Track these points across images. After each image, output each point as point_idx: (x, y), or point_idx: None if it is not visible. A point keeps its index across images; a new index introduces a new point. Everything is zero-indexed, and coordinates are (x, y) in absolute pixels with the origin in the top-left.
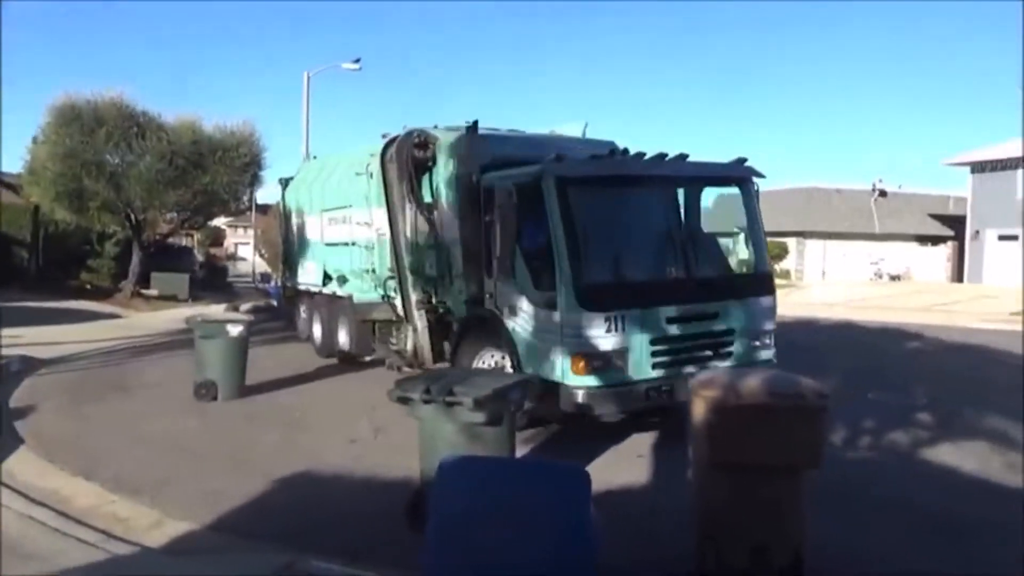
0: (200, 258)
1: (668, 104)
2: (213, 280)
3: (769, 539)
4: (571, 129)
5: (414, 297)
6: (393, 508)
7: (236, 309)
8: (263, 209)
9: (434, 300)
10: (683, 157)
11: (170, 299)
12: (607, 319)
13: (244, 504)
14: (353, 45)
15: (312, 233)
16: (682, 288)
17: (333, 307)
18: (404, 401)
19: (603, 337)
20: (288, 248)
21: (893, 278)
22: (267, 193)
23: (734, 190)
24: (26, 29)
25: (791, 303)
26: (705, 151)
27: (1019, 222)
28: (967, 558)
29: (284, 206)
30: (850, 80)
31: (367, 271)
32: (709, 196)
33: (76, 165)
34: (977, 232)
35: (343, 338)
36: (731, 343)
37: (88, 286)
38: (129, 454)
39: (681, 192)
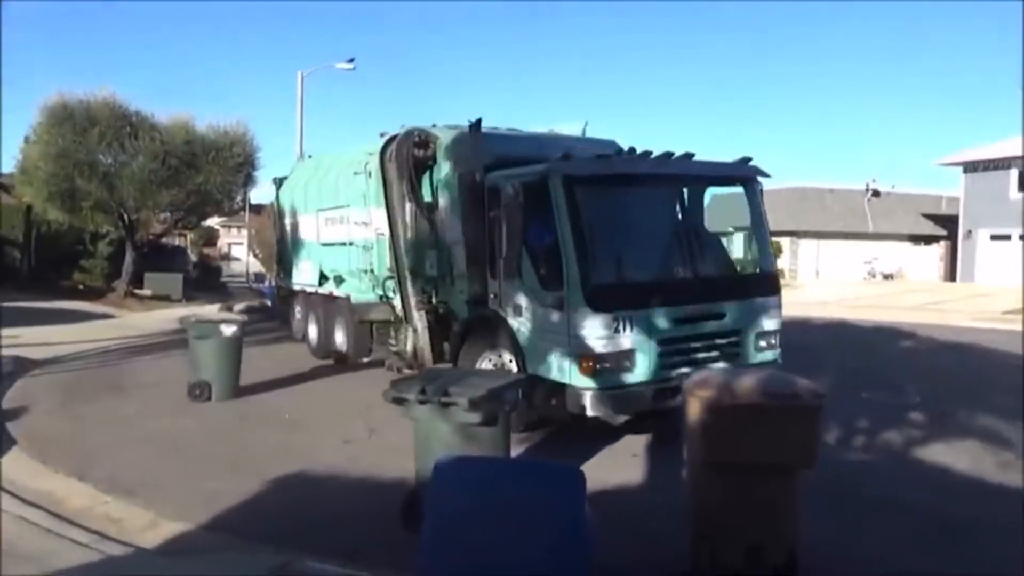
0: (194, 258)
1: (660, 103)
2: (207, 280)
3: (764, 539)
4: (570, 128)
5: (414, 297)
6: (388, 508)
7: (230, 309)
8: (257, 209)
9: (434, 300)
10: (689, 156)
11: (163, 299)
12: (615, 320)
13: (239, 504)
14: (347, 45)
15: (308, 233)
16: (689, 288)
17: (329, 307)
18: (399, 402)
19: (611, 338)
20: (283, 248)
21: (886, 277)
22: (261, 193)
23: (740, 189)
24: (18, 28)
25: (785, 302)
26: (699, 150)
27: (1011, 222)
28: (961, 557)
29: (278, 206)
30: (844, 80)
31: (365, 271)
32: (715, 195)
33: (69, 165)
34: (969, 232)
35: (340, 339)
36: (738, 344)
37: (81, 286)
38: (123, 455)
39: (688, 191)
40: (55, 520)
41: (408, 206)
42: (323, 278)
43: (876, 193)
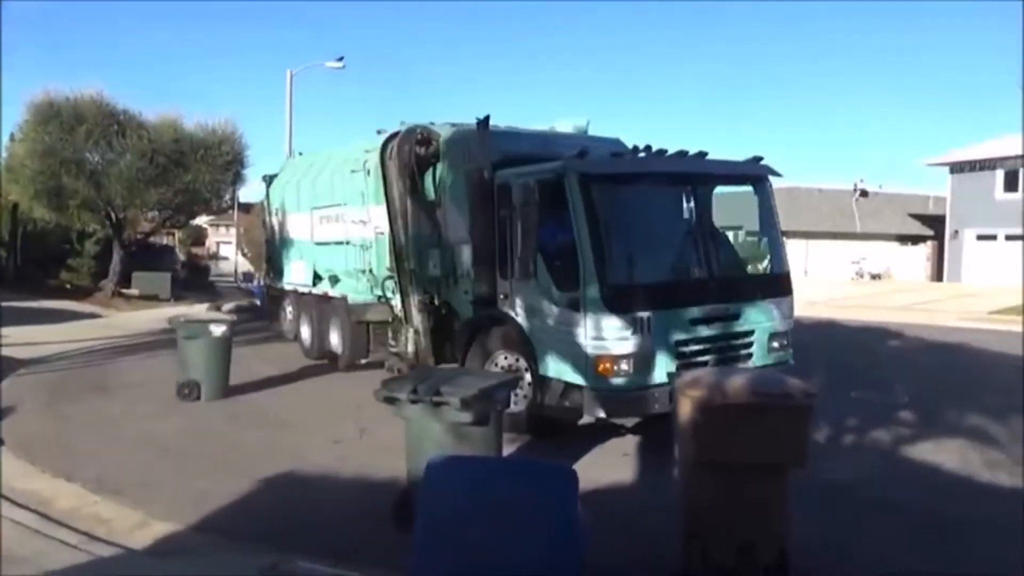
0: (182, 257)
1: (649, 103)
2: (195, 279)
3: (755, 537)
4: (572, 125)
5: (415, 298)
6: (379, 508)
7: (219, 309)
8: (245, 208)
9: (436, 301)
10: (702, 155)
11: (151, 299)
12: (633, 320)
13: (228, 504)
14: (337, 43)
15: (300, 232)
16: (705, 288)
17: (324, 308)
18: (391, 401)
19: (628, 339)
20: (273, 247)
21: (874, 277)
22: (249, 192)
23: (749, 188)
24: (4, 26)
25: None
26: (689, 149)
27: (997, 222)
28: (953, 556)
29: (269, 204)
30: (832, 80)
31: (363, 271)
32: (727, 194)
33: (55, 163)
34: (956, 232)
35: (335, 340)
36: (751, 344)
37: (68, 285)
38: (111, 455)
39: (702, 190)
40: (43, 521)
41: (410, 204)
42: (317, 278)
43: (864, 193)
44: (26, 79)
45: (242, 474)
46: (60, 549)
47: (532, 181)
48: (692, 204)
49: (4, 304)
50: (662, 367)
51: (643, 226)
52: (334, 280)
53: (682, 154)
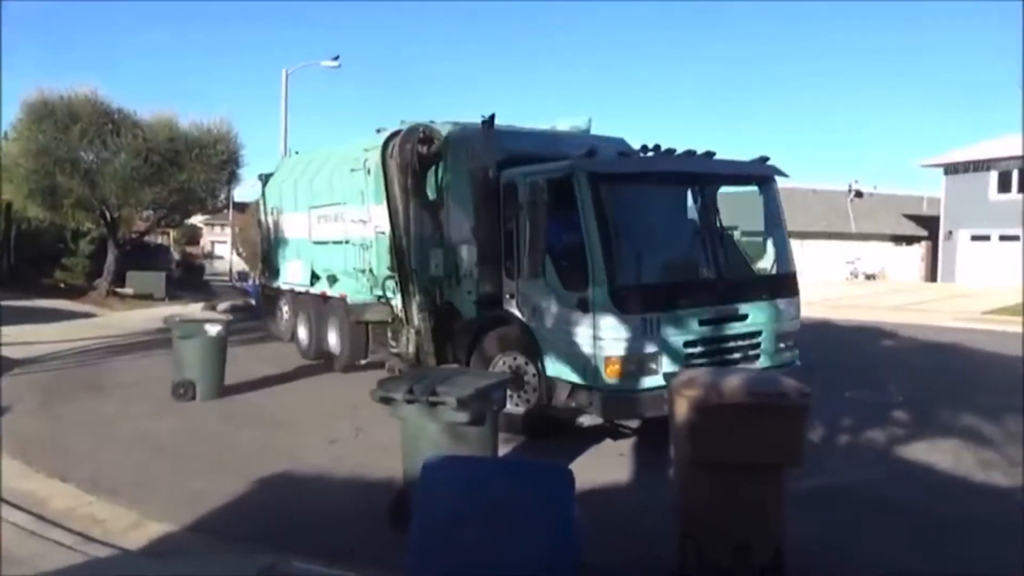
0: (176, 256)
1: (647, 102)
2: (190, 279)
3: (751, 537)
4: (571, 125)
5: (417, 298)
6: (375, 508)
7: (213, 308)
8: (240, 207)
9: (438, 301)
10: (710, 154)
11: (146, 298)
12: (642, 321)
13: (224, 505)
14: (334, 42)
15: (297, 231)
16: (714, 289)
17: (321, 308)
18: (386, 401)
19: (638, 340)
20: (269, 246)
21: (868, 277)
22: (245, 191)
23: (760, 188)
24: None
25: None
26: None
27: (991, 223)
28: (949, 556)
29: (264, 203)
30: (828, 81)
31: (363, 271)
32: (731, 194)
33: (49, 162)
34: (950, 232)
35: (333, 340)
36: (759, 345)
37: (62, 285)
38: (106, 455)
39: (710, 190)
40: (38, 521)
41: (411, 203)
42: (315, 277)
43: (859, 194)
44: (21, 78)
45: (237, 474)
46: (55, 550)
47: (541, 180)
48: (700, 204)
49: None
50: (671, 368)
51: (652, 226)
52: (332, 280)
53: (690, 153)
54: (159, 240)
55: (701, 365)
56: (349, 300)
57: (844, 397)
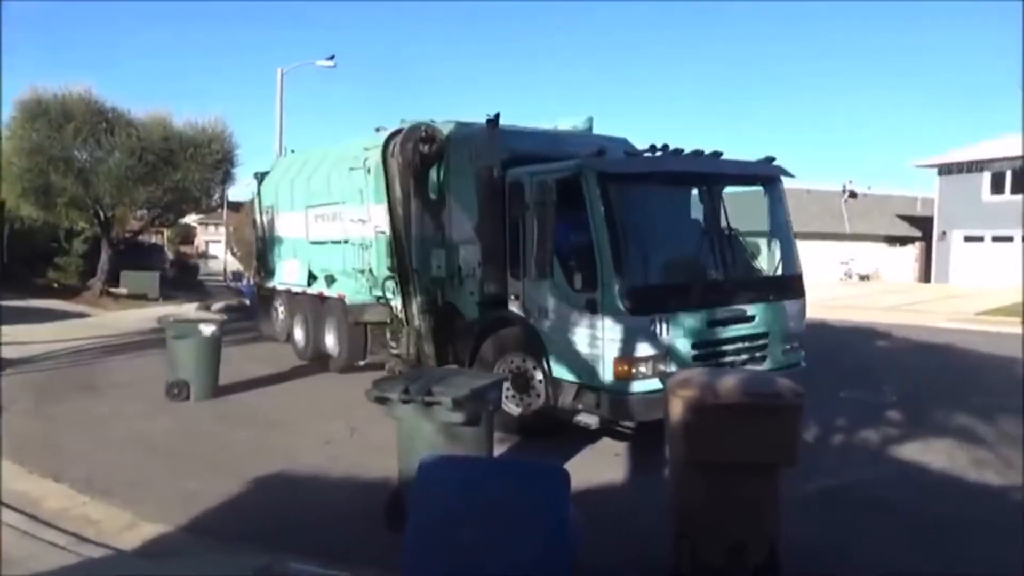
0: (170, 256)
1: (641, 103)
2: (184, 279)
3: (745, 537)
4: (573, 124)
5: (418, 298)
6: (371, 508)
7: (208, 308)
8: (235, 206)
9: (440, 301)
10: (717, 154)
11: (140, 298)
12: (651, 322)
13: (219, 505)
14: (329, 42)
15: (294, 230)
16: (722, 290)
17: (319, 308)
18: (382, 401)
19: (646, 341)
20: (265, 246)
21: (863, 278)
22: (239, 190)
23: (766, 188)
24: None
25: None
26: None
27: (984, 224)
28: (944, 556)
29: (260, 202)
30: (822, 81)
31: (362, 271)
32: (741, 195)
33: (43, 161)
34: (944, 233)
35: (331, 341)
36: (766, 346)
37: (55, 284)
38: (100, 455)
39: (718, 190)
40: (31, 522)
41: (413, 203)
42: (312, 278)
43: (853, 194)
44: (16, 77)
45: (232, 474)
46: (49, 551)
47: (550, 180)
48: (709, 204)
49: None
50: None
51: (661, 226)
52: (330, 280)
53: (697, 153)
54: (153, 240)
55: (710, 366)
56: (347, 301)
57: (839, 397)
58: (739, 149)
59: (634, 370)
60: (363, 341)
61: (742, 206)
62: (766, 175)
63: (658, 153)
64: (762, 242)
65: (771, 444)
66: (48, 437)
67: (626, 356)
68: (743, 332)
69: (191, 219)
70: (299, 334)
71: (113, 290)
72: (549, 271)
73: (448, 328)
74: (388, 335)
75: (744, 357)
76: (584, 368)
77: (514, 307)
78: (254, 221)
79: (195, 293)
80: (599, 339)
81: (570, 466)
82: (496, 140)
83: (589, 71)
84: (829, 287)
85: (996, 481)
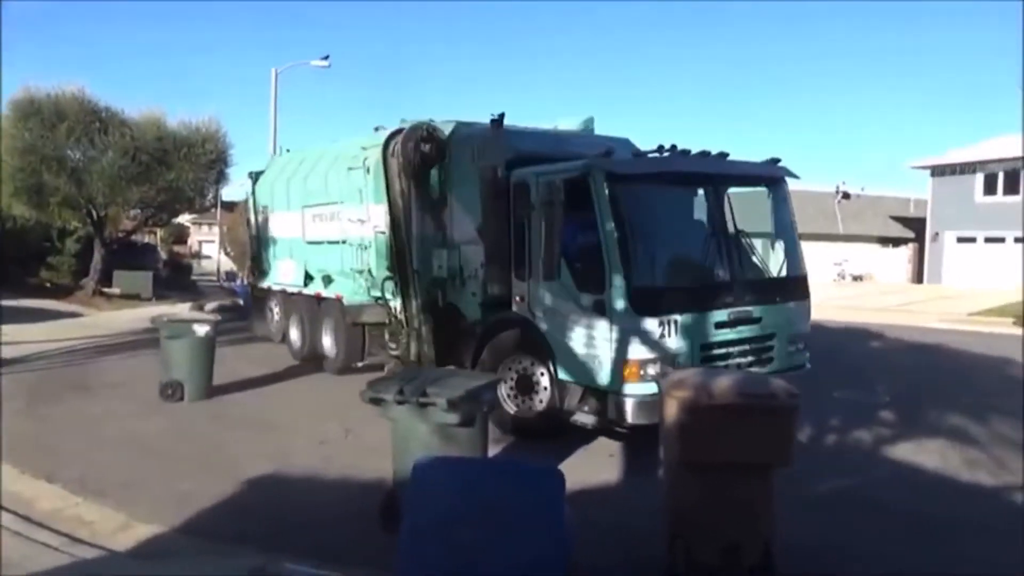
0: (164, 256)
1: (635, 102)
2: (177, 278)
3: (740, 538)
4: (573, 124)
5: (418, 299)
6: (365, 509)
7: (201, 308)
8: (229, 206)
9: (440, 303)
10: (723, 155)
11: (133, 298)
12: (660, 324)
13: (213, 506)
14: (324, 41)
15: (290, 230)
16: (730, 291)
17: (315, 309)
18: (376, 402)
19: (656, 343)
20: (259, 246)
21: (856, 279)
22: (233, 190)
23: (771, 190)
24: None
25: None
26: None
27: (977, 225)
28: (938, 556)
29: (255, 201)
30: (815, 82)
31: (360, 271)
32: (746, 196)
33: (36, 160)
34: (936, 234)
35: (327, 342)
36: (772, 348)
37: (48, 284)
38: (93, 456)
39: (725, 191)
40: (24, 523)
41: (414, 203)
42: (308, 278)
43: (846, 195)
44: (9, 76)
45: (226, 475)
46: (42, 552)
47: (558, 180)
48: (715, 205)
49: None
50: None
51: (669, 227)
52: (327, 280)
53: (704, 154)
54: (146, 239)
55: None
56: (345, 301)
57: (832, 398)
58: (734, 149)
59: (642, 372)
60: (361, 342)
61: (745, 207)
62: (772, 176)
63: (665, 154)
64: (767, 243)
65: (766, 445)
66: (41, 437)
67: (635, 358)
68: (750, 334)
69: (184, 219)
70: (295, 335)
71: (106, 290)
72: (556, 272)
73: (449, 329)
74: (387, 336)
75: (751, 359)
76: (592, 370)
77: (519, 308)
78: (248, 221)
79: (188, 293)
80: (607, 341)
81: (565, 467)
82: (501, 140)
83: (589, 71)
84: (822, 288)
85: (989, 482)
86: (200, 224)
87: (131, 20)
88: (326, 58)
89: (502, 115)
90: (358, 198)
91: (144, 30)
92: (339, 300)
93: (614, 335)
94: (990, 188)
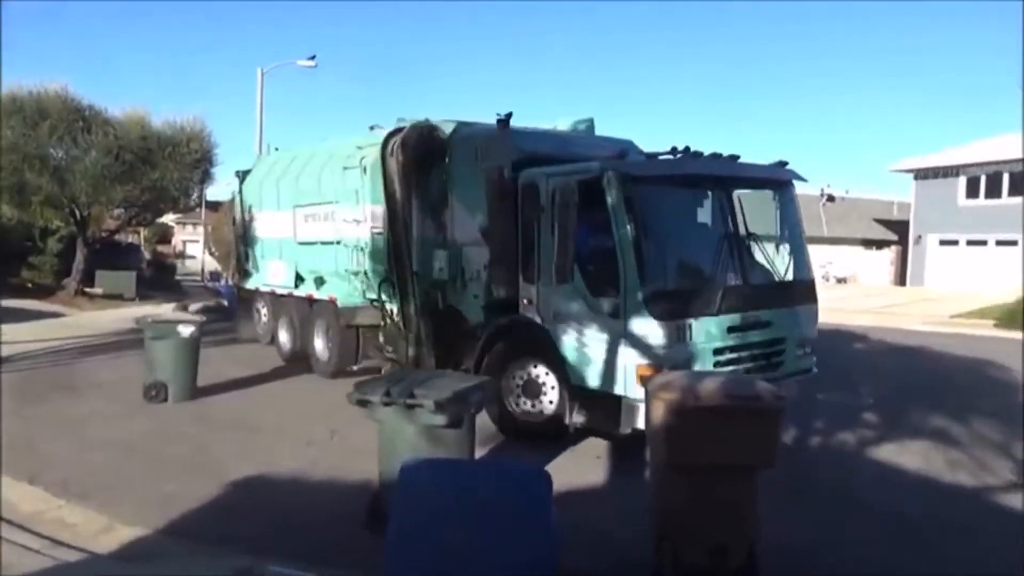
0: (147, 256)
1: (635, 102)
2: (161, 279)
3: (727, 539)
4: (574, 125)
5: (417, 301)
6: (351, 511)
7: (185, 309)
8: (213, 206)
9: (440, 305)
10: (734, 158)
11: (116, 298)
12: (675, 328)
13: (198, 508)
14: (312, 40)
15: (280, 230)
16: (743, 294)
17: (307, 311)
18: (363, 403)
19: (671, 347)
20: (247, 246)
21: (840, 281)
22: (218, 190)
23: (780, 193)
24: None
25: None
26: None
27: (959, 228)
28: (922, 556)
29: (242, 200)
30: (803, 84)
31: (355, 273)
32: (755, 199)
33: (18, 159)
34: (919, 237)
35: (319, 345)
36: (783, 352)
37: (29, 284)
38: (76, 457)
39: (736, 194)
40: (5, 525)
41: (414, 203)
42: (299, 279)
43: (831, 198)
44: (8, 76)
45: (211, 477)
46: (23, 554)
47: (572, 182)
48: (727, 208)
49: None
50: None
51: (682, 230)
52: (320, 282)
53: (715, 156)
54: (130, 239)
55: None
56: (339, 303)
57: (816, 399)
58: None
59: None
60: (355, 345)
61: (752, 209)
62: (781, 179)
63: (678, 156)
64: (776, 246)
65: (751, 446)
66: (23, 439)
67: (649, 362)
68: (762, 338)
69: (169, 218)
70: (284, 337)
71: (88, 290)
72: (568, 275)
73: (449, 332)
74: (381, 339)
75: (762, 363)
76: (604, 375)
77: (527, 312)
78: (234, 220)
79: (172, 293)
80: (620, 345)
81: (552, 468)
82: (507, 140)
83: (589, 71)
84: None
85: (969, 482)
86: (184, 224)
87: (115, 19)
88: (312, 58)
89: (509, 115)
90: (354, 198)
91: (129, 29)
92: (333, 302)
93: (628, 339)
94: (972, 191)
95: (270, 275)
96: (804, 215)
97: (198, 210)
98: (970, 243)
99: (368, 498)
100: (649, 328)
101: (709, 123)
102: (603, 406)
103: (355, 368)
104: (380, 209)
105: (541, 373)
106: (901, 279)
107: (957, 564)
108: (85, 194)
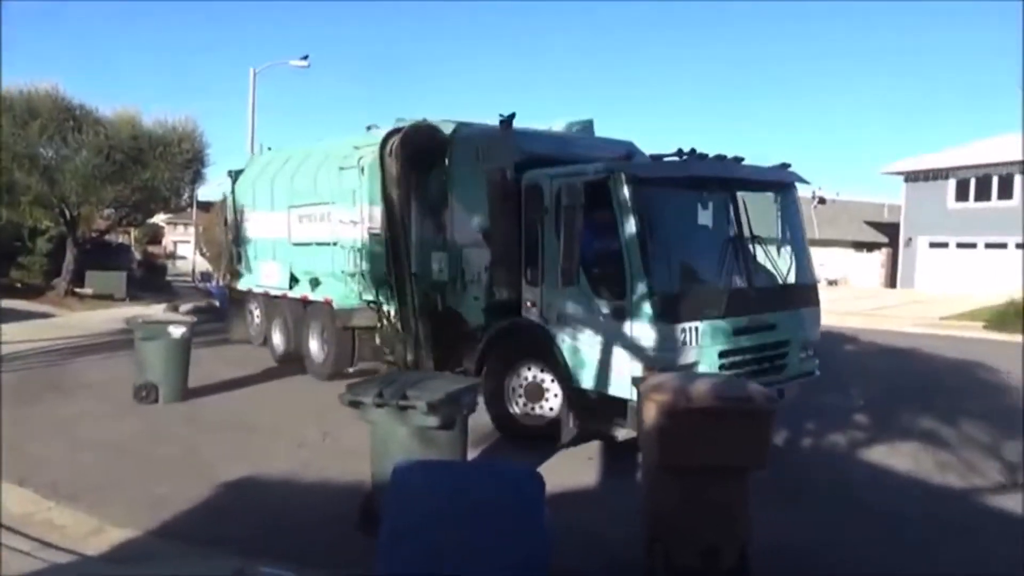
0: (138, 256)
1: (626, 103)
2: (151, 279)
3: (718, 540)
4: (574, 125)
5: (416, 303)
6: (343, 512)
7: (176, 309)
8: (205, 206)
9: (440, 307)
10: (739, 160)
11: (106, 298)
12: (682, 331)
13: (188, 509)
14: (306, 39)
15: (274, 231)
16: (749, 297)
17: (301, 312)
18: (355, 405)
19: (677, 350)
20: (239, 246)
21: (831, 283)
22: (209, 190)
23: (783, 195)
24: None
25: None
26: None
27: (948, 231)
28: (915, 557)
29: (234, 201)
30: (796, 85)
31: (352, 274)
32: (759, 201)
33: (7, 158)
34: (910, 239)
35: (314, 347)
36: (787, 355)
37: (18, 284)
38: (66, 459)
39: (741, 196)
40: None
41: (413, 204)
42: (294, 280)
43: (822, 200)
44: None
45: (202, 478)
46: (12, 556)
47: (578, 183)
48: (733, 210)
49: None
50: None
51: (689, 232)
52: (315, 283)
53: (720, 158)
54: (120, 239)
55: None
56: (336, 305)
57: (808, 401)
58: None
59: None
60: (351, 347)
61: (755, 211)
62: (785, 181)
63: (684, 157)
64: (779, 249)
65: (743, 448)
66: (12, 440)
67: (655, 366)
68: (766, 340)
69: (159, 219)
70: (278, 338)
71: (78, 290)
72: (574, 278)
73: (448, 334)
74: (378, 341)
75: (766, 366)
76: (610, 378)
77: (530, 314)
78: (226, 220)
79: (163, 294)
80: (626, 348)
81: (544, 469)
82: (509, 141)
83: (589, 71)
84: None
85: (958, 483)
86: (175, 224)
87: (108, 18)
88: (305, 58)
89: (512, 115)
90: (351, 199)
91: (122, 29)
92: (328, 304)
93: (635, 342)
94: (962, 194)
95: (263, 276)
96: None
97: (189, 210)
98: (960, 246)
99: (360, 499)
100: (656, 331)
101: (702, 123)
102: (607, 409)
103: (351, 370)
104: (378, 210)
105: (544, 376)
106: (891, 281)
107: (950, 565)
108: (75, 194)
